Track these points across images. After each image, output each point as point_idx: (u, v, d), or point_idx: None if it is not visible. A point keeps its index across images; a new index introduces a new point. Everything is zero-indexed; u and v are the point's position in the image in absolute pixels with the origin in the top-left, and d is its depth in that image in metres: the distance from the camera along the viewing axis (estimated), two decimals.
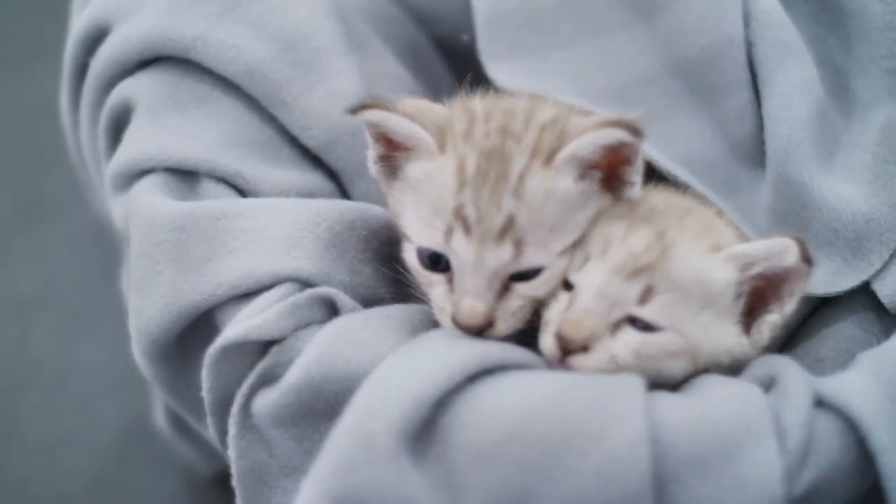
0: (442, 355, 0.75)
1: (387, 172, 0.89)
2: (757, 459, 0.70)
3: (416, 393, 0.71)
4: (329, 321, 0.82)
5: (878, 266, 0.89)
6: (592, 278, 0.79)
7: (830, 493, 0.75)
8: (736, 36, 0.96)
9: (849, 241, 0.89)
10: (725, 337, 0.81)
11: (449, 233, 0.82)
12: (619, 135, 0.80)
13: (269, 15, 0.99)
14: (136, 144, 0.95)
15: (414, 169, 0.85)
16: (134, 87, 0.98)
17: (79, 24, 1.03)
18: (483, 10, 1.07)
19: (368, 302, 0.89)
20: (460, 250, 0.81)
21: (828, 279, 0.92)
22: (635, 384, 0.74)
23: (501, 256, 0.81)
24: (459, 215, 0.81)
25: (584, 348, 0.78)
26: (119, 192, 0.95)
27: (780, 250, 0.78)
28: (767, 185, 0.94)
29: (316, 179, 0.99)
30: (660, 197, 0.86)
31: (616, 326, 0.79)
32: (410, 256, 0.86)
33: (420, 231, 0.84)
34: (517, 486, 0.70)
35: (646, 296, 0.78)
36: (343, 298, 0.84)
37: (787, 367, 0.78)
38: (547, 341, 0.80)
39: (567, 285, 0.82)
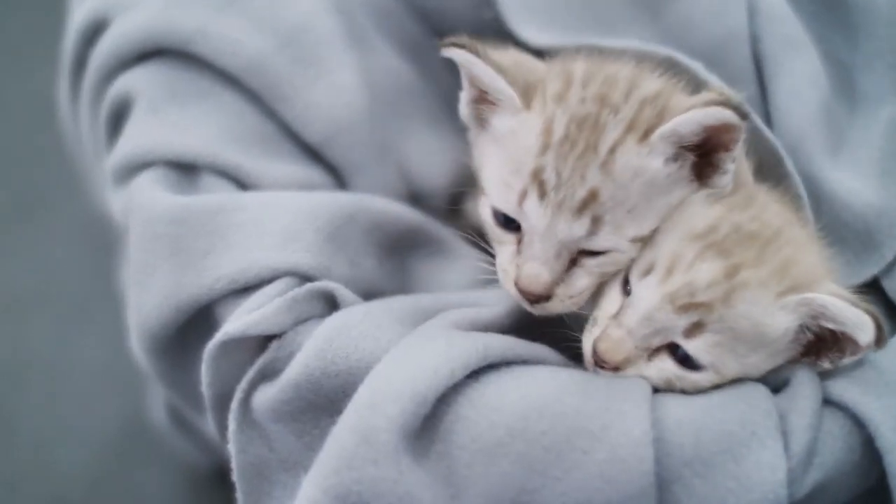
0: (442, 349, 0.74)
1: (477, 119, 0.87)
2: (761, 461, 0.70)
3: (416, 389, 0.71)
4: (329, 315, 0.82)
5: (889, 259, 0.88)
6: (646, 298, 0.76)
7: (833, 493, 0.75)
8: (740, 30, 0.96)
9: (859, 234, 0.88)
10: (771, 367, 0.78)
11: (523, 195, 0.80)
12: (726, 115, 0.76)
13: (269, 9, 0.99)
14: (136, 138, 0.94)
15: (499, 123, 0.84)
16: (134, 81, 0.98)
17: (79, 17, 1.03)
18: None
19: (370, 295, 0.88)
20: (532, 214, 0.80)
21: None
22: (640, 383, 0.74)
23: (575, 230, 0.79)
24: (537, 178, 0.79)
25: (616, 368, 0.76)
26: (119, 186, 0.95)
27: (858, 325, 0.73)
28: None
29: (316, 174, 0.98)
30: (753, 210, 0.79)
31: (654, 352, 0.76)
32: (485, 211, 0.84)
33: (496, 190, 0.83)
34: (519, 484, 0.70)
35: (694, 330, 0.74)
36: (343, 292, 0.84)
37: (798, 368, 0.77)
38: (587, 346, 0.78)
39: (624, 286, 0.79)
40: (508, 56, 0.86)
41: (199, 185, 0.94)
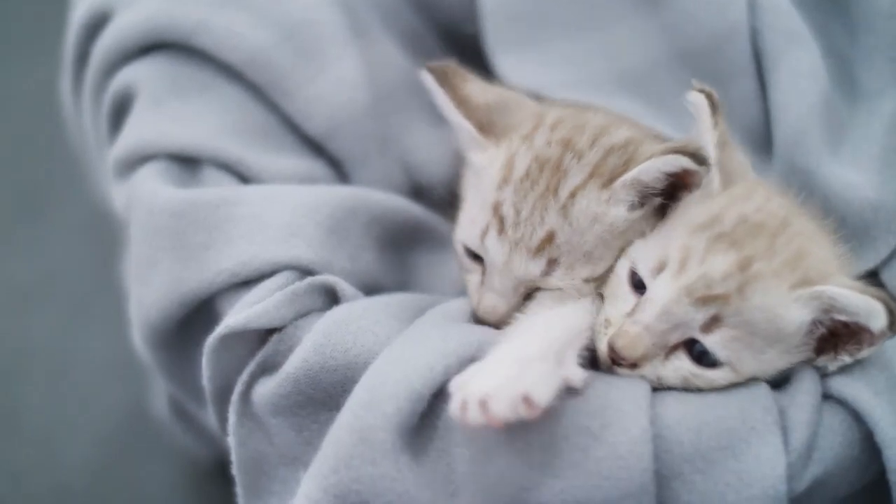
0: (437, 344, 0.75)
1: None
2: (761, 456, 0.70)
3: (412, 386, 0.71)
4: (329, 309, 0.82)
5: (884, 255, 0.88)
6: (662, 293, 0.75)
7: (833, 487, 0.75)
8: (741, 24, 0.95)
9: (856, 229, 0.88)
10: (787, 366, 0.77)
11: (485, 230, 0.82)
12: (683, 162, 0.78)
13: (271, 2, 0.99)
14: (138, 131, 0.95)
15: (474, 158, 0.86)
16: (136, 74, 0.98)
17: (81, 11, 1.03)
18: (489, 4, 1.06)
19: (370, 289, 0.89)
20: (492, 249, 0.82)
21: None
22: (640, 382, 0.74)
23: (531, 270, 0.81)
24: (497, 213, 0.81)
25: (634, 365, 0.76)
26: (121, 179, 0.95)
27: (869, 312, 0.72)
28: (775, 173, 0.93)
29: (318, 167, 0.98)
30: (756, 201, 0.78)
31: (671, 350, 0.76)
32: (457, 245, 0.87)
33: (465, 226, 0.85)
34: (517, 482, 0.70)
35: (711, 324, 0.73)
36: (343, 286, 0.84)
37: (800, 364, 0.77)
38: (601, 346, 0.78)
39: (636, 284, 0.79)
40: (492, 92, 0.88)
41: (200, 178, 0.94)
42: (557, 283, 0.82)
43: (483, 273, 0.85)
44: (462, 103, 0.86)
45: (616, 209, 0.80)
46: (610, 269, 0.82)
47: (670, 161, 0.78)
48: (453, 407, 0.67)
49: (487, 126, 0.85)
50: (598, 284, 0.82)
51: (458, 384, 0.69)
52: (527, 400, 0.66)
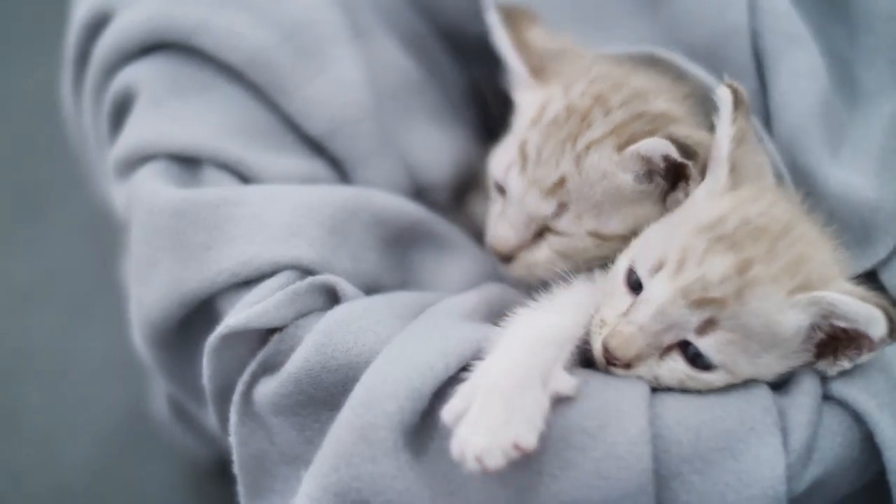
0: (437, 343, 0.75)
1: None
2: (760, 457, 0.70)
3: (412, 385, 0.71)
4: (330, 309, 0.82)
5: (882, 255, 0.87)
6: (658, 293, 0.74)
7: (833, 487, 0.75)
8: (741, 25, 0.95)
9: (854, 229, 0.87)
10: (784, 370, 0.77)
11: (510, 165, 0.87)
12: (670, 149, 0.80)
13: (272, 2, 0.99)
14: (139, 131, 0.94)
15: (518, 97, 0.91)
16: (136, 74, 0.97)
17: (81, 10, 1.02)
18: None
19: (371, 289, 0.89)
20: (512, 184, 0.86)
21: None
22: (639, 382, 0.75)
23: (542, 209, 0.85)
24: (522, 151, 0.86)
25: (628, 365, 0.76)
26: (121, 179, 0.95)
27: (869, 320, 0.72)
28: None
29: (319, 167, 0.98)
30: (761, 204, 0.78)
31: (666, 350, 0.75)
32: (489, 177, 0.92)
33: (497, 156, 0.90)
34: (516, 482, 0.70)
35: (707, 327, 0.73)
36: (344, 286, 0.84)
37: (800, 367, 0.77)
38: (596, 346, 0.78)
39: (632, 284, 0.78)
40: (554, 41, 0.93)
41: (201, 178, 0.94)
42: (566, 228, 0.85)
43: (503, 204, 0.89)
44: (520, 45, 0.91)
45: (624, 175, 0.83)
46: (618, 240, 0.84)
47: (660, 145, 0.81)
48: (453, 450, 0.68)
49: (539, 70, 0.91)
50: (601, 244, 0.85)
51: (450, 417, 0.70)
52: (517, 447, 0.68)
